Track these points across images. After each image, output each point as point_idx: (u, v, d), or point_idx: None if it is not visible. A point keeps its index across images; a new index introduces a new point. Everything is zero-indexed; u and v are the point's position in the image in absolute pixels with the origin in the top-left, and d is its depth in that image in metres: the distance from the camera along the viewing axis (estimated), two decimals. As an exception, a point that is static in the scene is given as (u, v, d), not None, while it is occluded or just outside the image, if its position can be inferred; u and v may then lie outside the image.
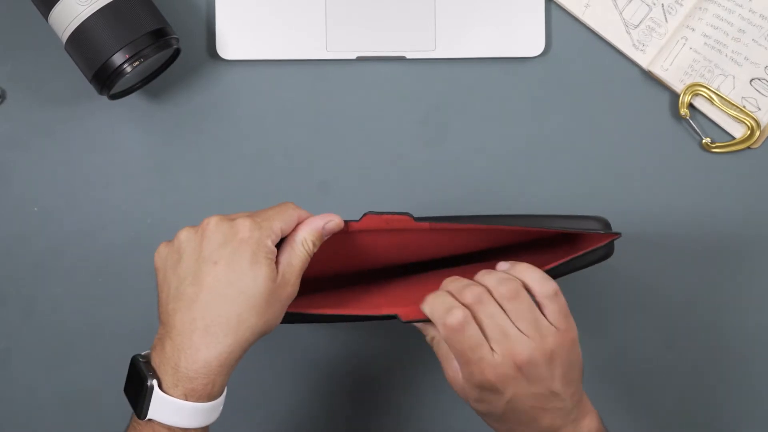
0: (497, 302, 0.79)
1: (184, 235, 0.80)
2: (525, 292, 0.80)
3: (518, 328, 0.79)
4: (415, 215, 0.85)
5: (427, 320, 0.82)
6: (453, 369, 0.82)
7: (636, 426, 1.00)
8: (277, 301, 0.79)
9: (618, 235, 0.86)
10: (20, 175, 0.98)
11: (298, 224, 0.82)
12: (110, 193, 0.98)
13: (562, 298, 0.81)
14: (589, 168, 0.99)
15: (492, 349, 0.78)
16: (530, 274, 0.81)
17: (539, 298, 0.80)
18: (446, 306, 0.80)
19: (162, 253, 0.82)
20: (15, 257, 0.98)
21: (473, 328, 0.79)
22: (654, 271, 1.00)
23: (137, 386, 0.78)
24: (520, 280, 0.81)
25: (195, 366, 0.77)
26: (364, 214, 0.85)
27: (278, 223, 0.80)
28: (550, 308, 0.80)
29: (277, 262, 0.80)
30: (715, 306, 1.00)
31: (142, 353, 0.81)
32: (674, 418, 1.01)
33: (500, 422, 0.81)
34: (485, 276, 0.81)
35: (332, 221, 0.83)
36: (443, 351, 0.83)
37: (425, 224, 0.85)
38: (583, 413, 0.82)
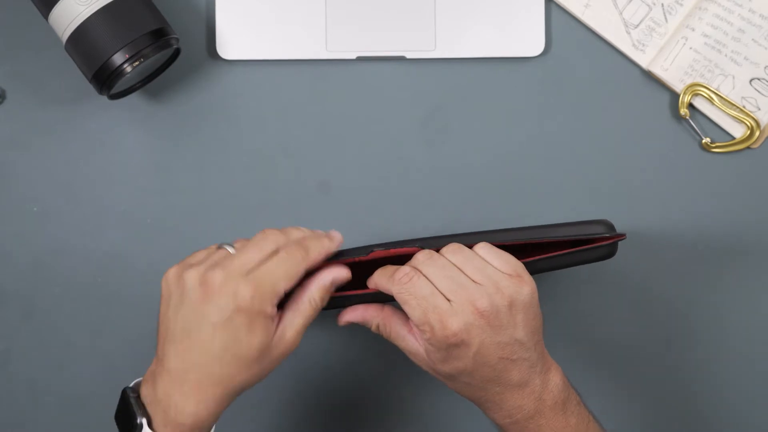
0: (445, 258, 0.81)
1: (189, 282, 0.80)
2: (468, 248, 0.82)
3: (470, 278, 0.80)
4: (420, 237, 0.85)
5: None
6: (409, 343, 0.83)
7: (636, 425, 1.00)
8: (271, 358, 0.81)
9: (623, 236, 0.86)
10: (20, 175, 0.98)
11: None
12: (110, 193, 0.98)
13: (505, 253, 0.82)
14: (589, 168, 0.99)
15: (447, 299, 0.79)
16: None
17: (482, 255, 0.82)
18: (390, 270, 0.82)
19: (170, 281, 0.82)
20: (15, 257, 0.98)
21: (422, 280, 0.80)
22: (653, 271, 1.00)
23: (127, 421, 0.80)
24: None
25: (184, 414, 0.79)
26: (371, 251, 0.85)
27: (283, 284, 0.81)
28: (496, 262, 0.82)
29: (280, 318, 0.82)
30: (715, 305, 1.00)
31: (131, 384, 0.82)
32: (674, 418, 1.01)
33: (470, 384, 0.82)
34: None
35: (340, 275, 0.84)
36: (394, 330, 0.84)
37: (433, 250, 0.85)
38: (547, 366, 0.83)
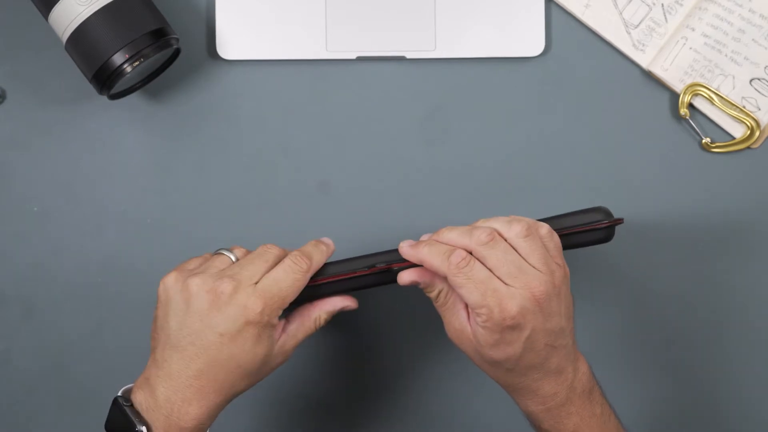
0: (507, 242, 0.81)
1: (195, 288, 0.81)
2: (534, 230, 0.81)
3: (530, 264, 0.80)
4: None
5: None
6: (461, 320, 0.83)
7: (634, 422, 1.00)
8: (268, 367, 0.83)
9: (621, 220, 0.87)
10: (20, 175, 0.98)
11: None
12: (110, 193, 0.98)
13: (556, 236, 0.83)
14: (589, 168, 0.99)
15: (506, 284, 0.79)
16: (523, 218, 0.83)
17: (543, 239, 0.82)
18: (442, 250, 0.81)
19: (169, 287, 0.83)
20: (15, 257, 0.98)
21: (479, 263, 0.80)
22: (654, 271, 1.00)
23: (124, 430, 0.81)
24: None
25: (186, 417, 0.80)
26: (374, 266, 0.85)
27: (290, 296, 0.82)
28: (550, 245, 0.82)
29: (283, 329, 0.84)
30: (716, 305, 1.00)
31: (120, 393, 0.83)
32: (673, 415, 1.01)
33: (512, 370, 0.82)
34: (491, 221, 0.83)
35: (351, 306, 0.86)
36: (452, 303, 0.83)
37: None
38: (577, 355, 0.84)
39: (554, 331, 0.81)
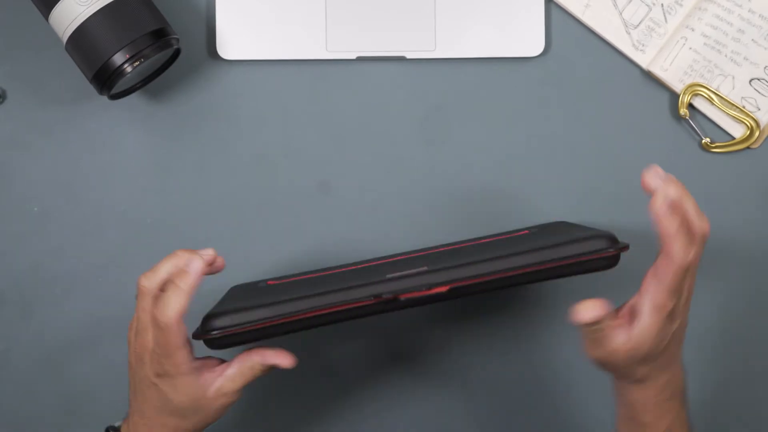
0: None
1: (135, 326, 0.83)
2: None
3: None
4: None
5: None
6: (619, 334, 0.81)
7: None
8: (213, 407, 0.83)
9: (626, 247, 0.84)
10: (20, 175, 0.98)
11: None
12: (110, 193, 0.98)
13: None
14: (588, 168, 0.99)
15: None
16: (692, 205, 0.82)
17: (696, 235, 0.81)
18: (689, 241, 0.80)
19: (131, 339, 0.84)
20: (15, 257, 0.98)
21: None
22: (654, 271, 1.00)
23: None
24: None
25: None
26: (379, 297, 0.81)
27: (173, 344, 0.80)
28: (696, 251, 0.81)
29: (221, 371, 0.82)
30: (715, 305, 1.00)
31: (116, 425, 0.86)
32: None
33: (653, 360, 0.82)
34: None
35: (284, 363, 0.83)
36: (607, 330, 0.81)
37: (443, 287, 0.81)
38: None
39: (683, 326, 0.83)
